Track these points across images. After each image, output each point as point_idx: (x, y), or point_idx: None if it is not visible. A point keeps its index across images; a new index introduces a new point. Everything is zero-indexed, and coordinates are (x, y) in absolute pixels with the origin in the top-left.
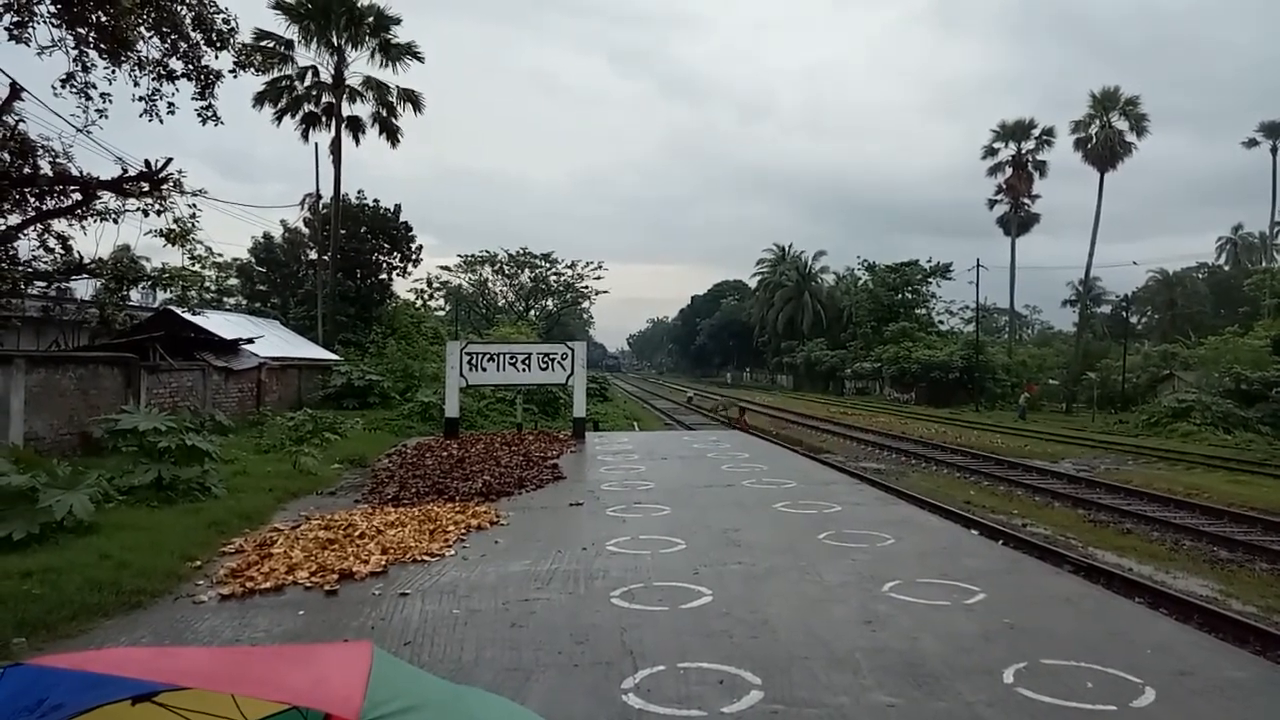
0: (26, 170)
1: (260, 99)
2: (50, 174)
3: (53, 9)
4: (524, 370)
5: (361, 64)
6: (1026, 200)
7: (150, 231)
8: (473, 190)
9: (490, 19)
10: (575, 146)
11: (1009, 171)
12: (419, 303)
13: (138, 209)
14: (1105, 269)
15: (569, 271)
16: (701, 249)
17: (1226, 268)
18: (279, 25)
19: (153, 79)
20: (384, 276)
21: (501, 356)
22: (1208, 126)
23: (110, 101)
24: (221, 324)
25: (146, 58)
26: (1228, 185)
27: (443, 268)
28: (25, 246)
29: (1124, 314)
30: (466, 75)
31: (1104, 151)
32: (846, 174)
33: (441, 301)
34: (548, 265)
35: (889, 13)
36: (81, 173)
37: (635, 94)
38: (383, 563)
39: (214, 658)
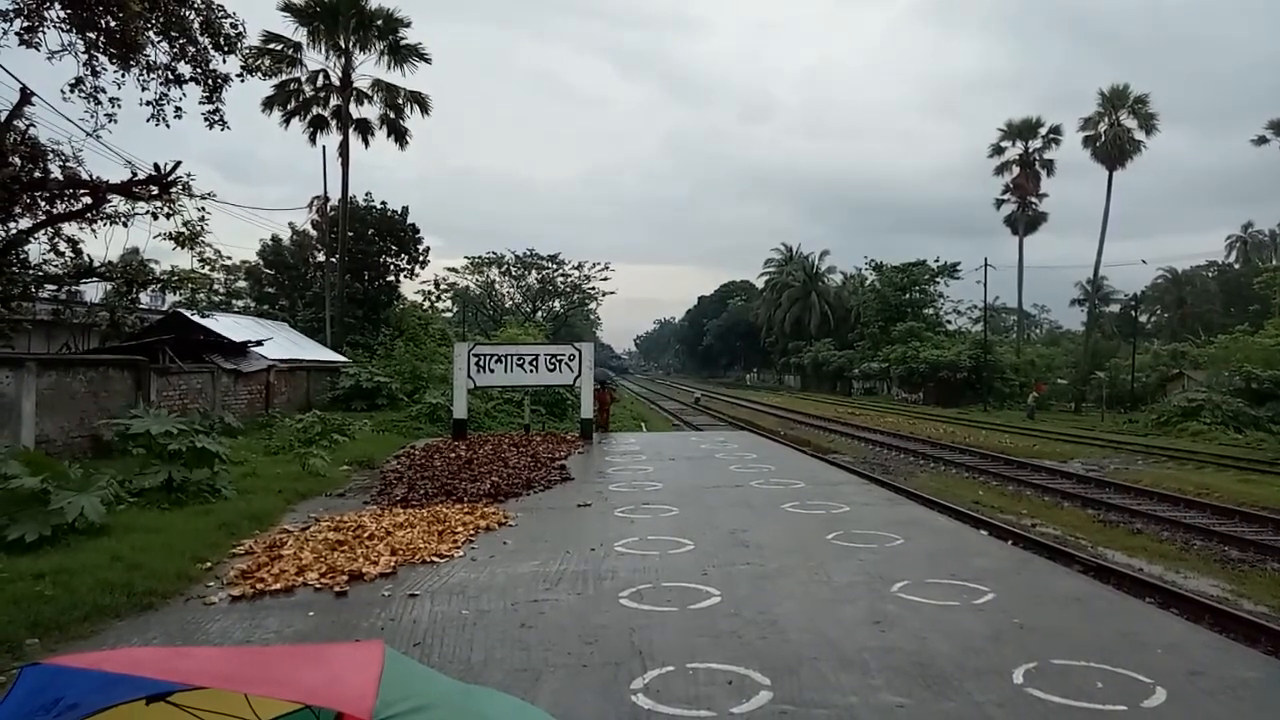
0: (37, 174)
1: (269, 103)
2: (60, 178)
3: (62, 14)
4: (531, 372)
5: (368, 66)
6: (1034, 199)
7: (159, 234)
8: (479, 192)
9: (492, 22)
10: (580, 148)
11: (1016, 170)
12: (426, 304)
13: (147, 212)
14: (1114, 268)
15: (576, 273)
16: (706, 249)
17: (1236, 266)
18: (287, 28)
19: (161, 83)
20: (391, 278)
21: (509, 358)
22: (1215, 123)
23: (119, 106)
24: (230, 326)
25: (155, 62)
26: (1237, 183)
27: (450, 269)
28: (36, 250)
29: (1133, 313)
30: (471, 78)
31: (1113, 149)
32: (848, 173)
33: (449, 303)
34: (554, 266)
35: (888, 11)
36: (91, 176)
37: (638, 95)
38: (392, 564)
39: (227, 657)
